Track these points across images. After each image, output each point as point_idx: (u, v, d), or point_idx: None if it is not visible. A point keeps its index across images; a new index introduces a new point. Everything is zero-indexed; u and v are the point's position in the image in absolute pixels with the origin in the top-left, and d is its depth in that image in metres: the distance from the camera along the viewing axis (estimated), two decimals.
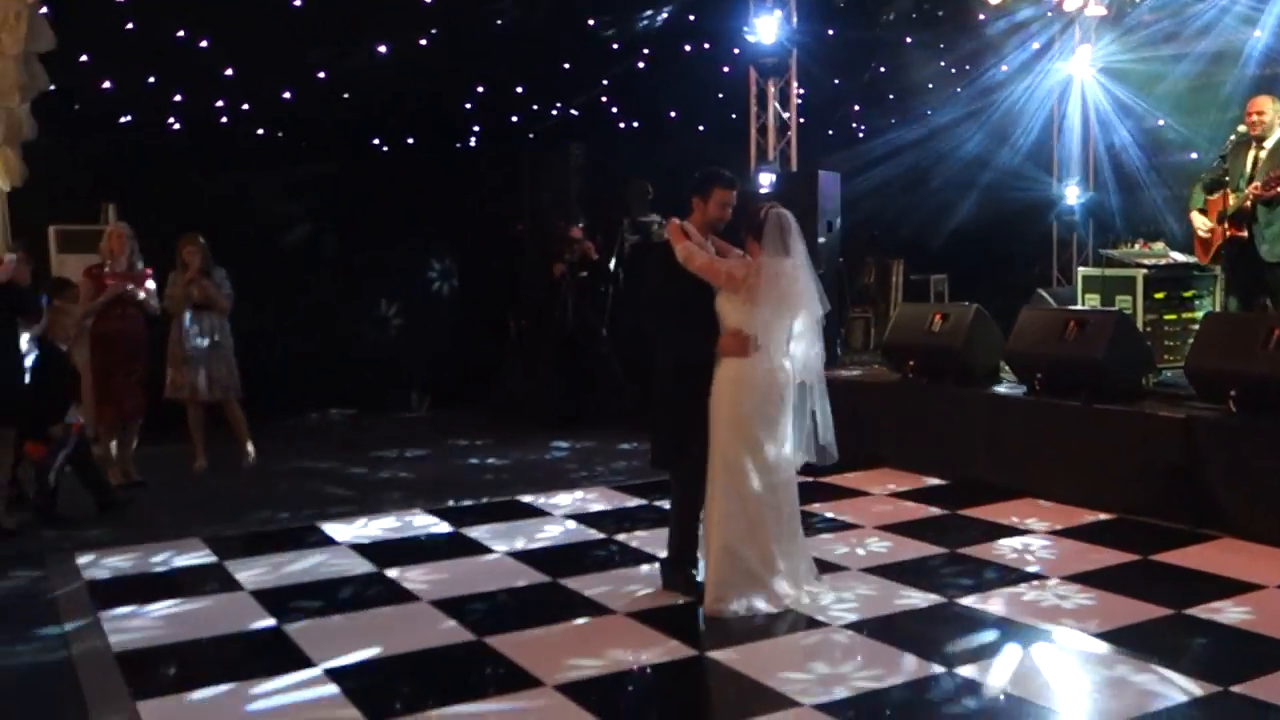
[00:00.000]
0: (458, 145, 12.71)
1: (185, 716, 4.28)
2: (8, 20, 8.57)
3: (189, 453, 8.81)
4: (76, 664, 4.83)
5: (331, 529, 6.98)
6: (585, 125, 12.57)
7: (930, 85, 13.23)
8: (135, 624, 5.31)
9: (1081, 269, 9.71)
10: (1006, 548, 6.24)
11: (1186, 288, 8.44)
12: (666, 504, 5.86)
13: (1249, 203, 7.67)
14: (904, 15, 12.26)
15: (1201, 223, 8.09)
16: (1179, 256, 8.74)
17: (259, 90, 10.76)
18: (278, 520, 7.29)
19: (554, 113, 12.60)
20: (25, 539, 6.86)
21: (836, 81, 12.61)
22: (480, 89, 11.78)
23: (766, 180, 10.40)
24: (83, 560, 6.37)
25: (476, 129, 12.64)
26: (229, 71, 10.30)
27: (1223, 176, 7.94)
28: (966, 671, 4.51)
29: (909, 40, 12.70)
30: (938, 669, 4.54)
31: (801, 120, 11.01)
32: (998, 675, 4.47)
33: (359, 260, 12.03)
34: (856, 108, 13.90)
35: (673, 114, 13.00)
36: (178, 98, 10.62)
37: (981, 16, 11.89)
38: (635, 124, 13.18)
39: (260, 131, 11.56)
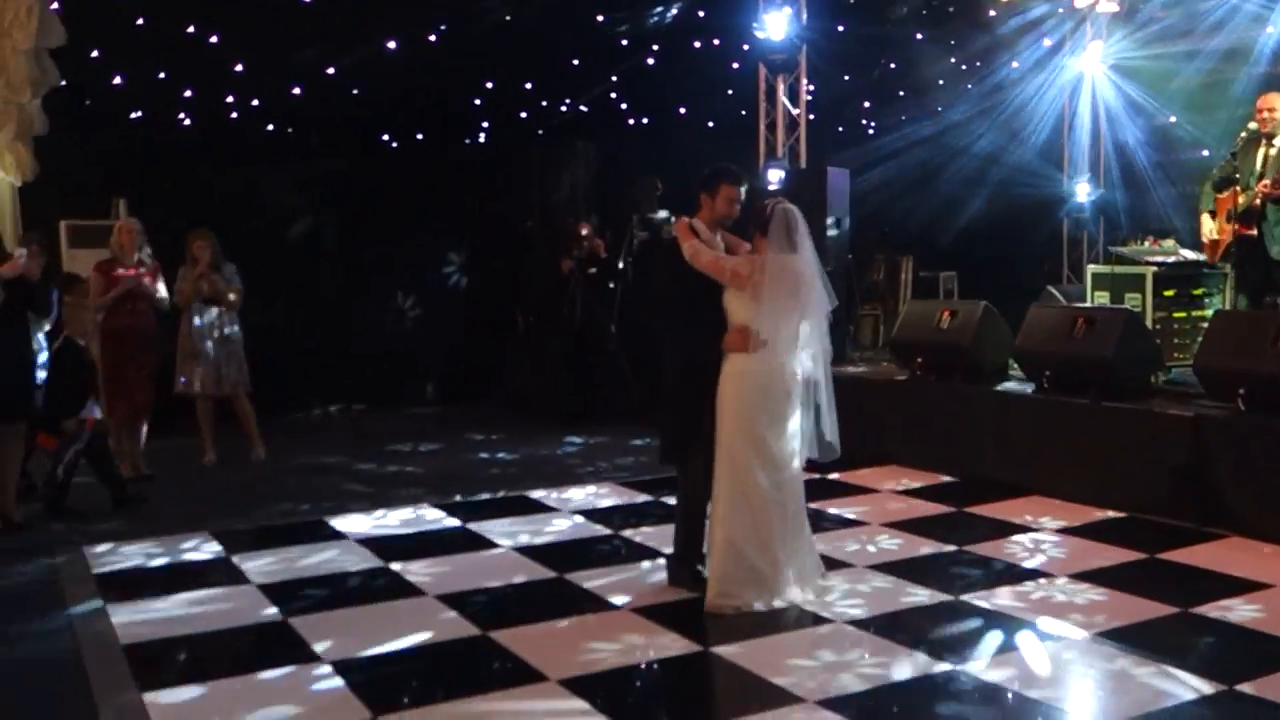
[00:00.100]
0: (467, 141, 12.73)
1: (191, 709, 4.29)
2: (19, 16, 8.63)
3: (198, 447, 8.84)
4: (84, 655, 4.85)
5: (339, 523, 7.01)
6: (594, 122, 12.59)
7: (941, 82, 13.20)
8: (142, 616, 5.33)
9: (1091, 266, 9.68)
10: (1014, 545, 6.23)
11: (1196, 286, 8.40)
12: (673, 500, 5.87)
13: (1259, 201, 7.64)
14: (914, 11, 12.22)
15: (1209, 227, 8.06)
16: (1189, 254, 8.71)
17: (269, 86, 10.79)
18: (285, 514, 7.31)
19: (563, 109, 12.61)
20: (34, 532, 6.89)
21: (846, 78, 12.59)
22: (489, 85, 11.79)
23: (775, 177, 10.38)
24: (91, 553, 6.40)
25: (485, 125, 12.66)
26: (239, 67, 10.33)
27: (1233, 174, 7.91)
28: (973, 668, 4.50)
29: (919, 37, 12.66)
30: (944, 666, 4.54)
31: (811, 117, 10.99)
32: (1004, 672, 4.46)
33: (368, 256, 12.05)
34: (866, 104, 13.87)
35: (682, 110, 13.00)
36: (188, 93, 10.67)
37: (992, 13, 11.86)
38: (644, 120, 13.18)
39: (270, 127, 11.60)
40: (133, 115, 10.80)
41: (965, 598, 5.36)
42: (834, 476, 7.56)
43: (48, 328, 7.64)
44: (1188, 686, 4.26)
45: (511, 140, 12.57)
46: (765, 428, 5.20)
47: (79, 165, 9.98)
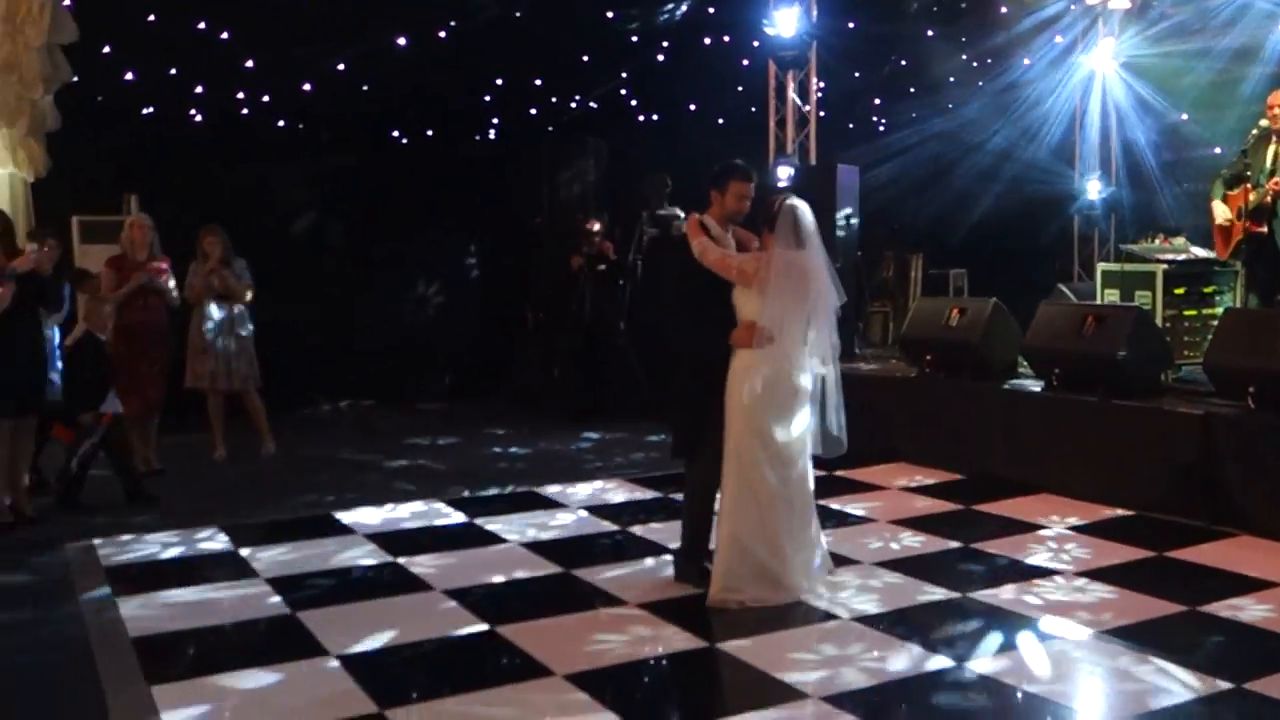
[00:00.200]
0: (476, 138, 12.75)
1: (199, 701, 4.31)
2: (31, 12, 8.67)
3: (209, 442, 8.88)
4: (93, 647, 4.88)
5: (347, 517, 7.03)
6: (604, 118, 12.59)
7: (951, 79, 13.16)
8: (152, 609, 5.36)
9: (1101, 264, 9.65)
10: (1022, 543, 6.22)
11: (1207, 283, 8.36)
12: (681, 496, 5.88)
13: (1269, 198, 7.61)
14: (925, 8, 12.19)
15: (1221, 211, 8.02)
16: (1200, 252, 8.67)
17: (279, 83, 10.82)
18: (294, 509, 7.34)
19: (573, 106, 12.61)
20: (46, 525, 6.93)
21: (856, 75, 12.57)
22: (499, 82, 11.80)
23: (785, 174, 10.37)
24: (101, 546, 6.44)
25: (495, 122, 12.67)
26: (249, 64, 10.36)
27: (1244, 171, 7.88)
28: (979, 666, 4.50)
29: (930, 33, 12.63)
30: (950, 663, 4.54)
31: (821, 114, 10.97)
32: (1010, 670, 4.46)
33: (377, 252, 12.08)
34: (877, 101, 13.84)
35: (692, 107, 12.99)
36: (199, 90, 10.70)
37: (1004, 10, 11.83)
38: (654, 117, 13.17)
39: (280, 123, 11.63)
40: (144, 111, 10.84)
41: (972, 595, 5.35)
42: (842, 473, 7.55)
43: (58, 322, 7.68)
44: (1194, 685, 4.26)
45: (521, 137, 12.59)
46: (772, 423, 5.21)
47: (91, 161, 10.03)
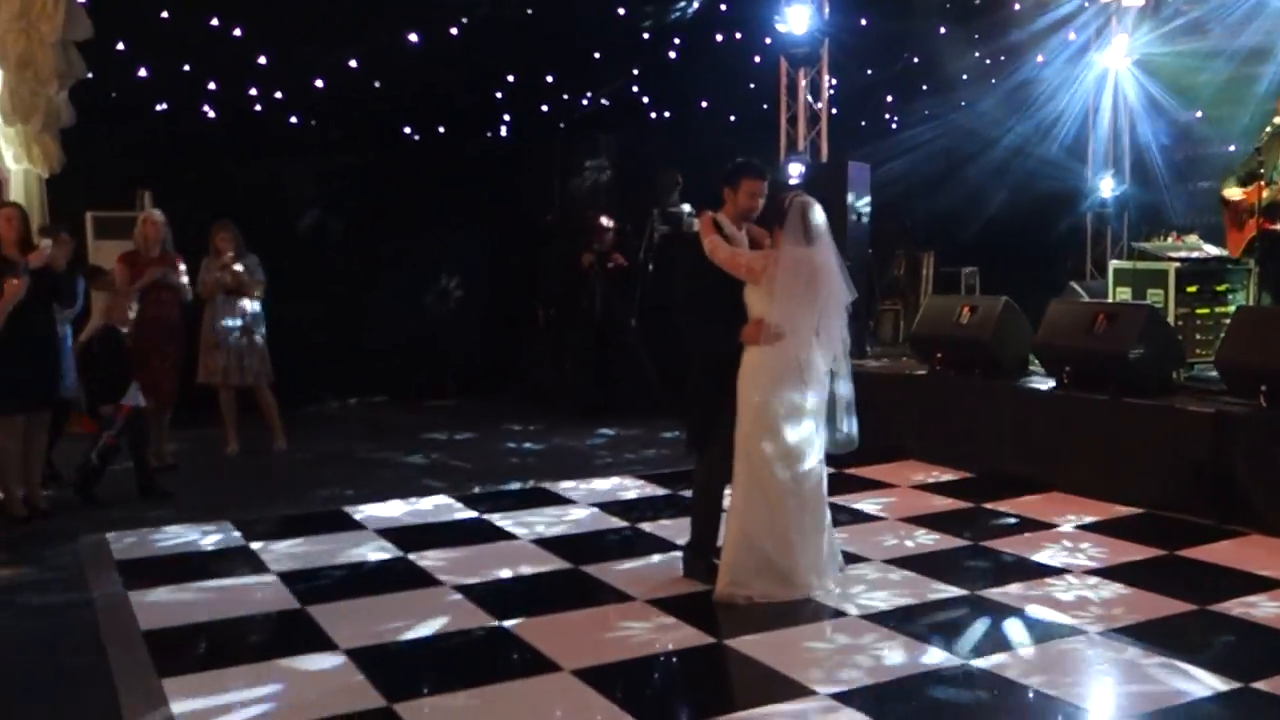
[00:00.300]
0: (488, 135, 12.75)
1: (210, 694, 4.33)
2: (46, 9, 8.72)
3: (221, 437, 8.92)
4: (105, 641, 4.91)
5: (358, 513, 7.06)
6: (616, 115, 12.59)
7: (964, 76, 13.13)
8: (163, 603, 5.39)
9: (1113, 262, 9.62)
10: (1031, 541, 6.21)
11: (1219, 281, 8.33)
12: (691, 492, 5.89)
13: None
14: (938, 5, 12.16)
15: (1234, 191, 7.97)
16: (1212, 250, 8.64)
17: (291, 79, 10.85)
18: (305, 504, 7.37)
19: (584, 103, 12.61)
20: (59, 518, 6.96)
21: (869, 72, 12.54)
22: (510, 78, 11.81)
23: (796, 171, 10.38)
24: (114, 540, 6.47)
25: (506, 119, 12.67)
26: (262, 60, 10.39)
27: (1257, 169, 7.84)
28: (987, 664, 4.50)
29: (942, 30, 12.60)
30: (958, 661, 4.54)
31: (833, 111, 10.96)
32: (1020, 668, 4.46)
33: (388, 249, 12.09)
34: (889, 98, 13.82)
35: (703, 104, 12.98)
36: (212, 86, 10.74)
37: (1017, 7, 11.79)
38: (666, 114, 13.17)
39: (293, 120, 11.66)
40: (158, 108, 10.89)
41: (981, 593, 5.35)
42: (852, 471, 7.54)
43: (71, 318, 7.73)
44: (1204, 683, 4.25)
45: (532, 134, 12.59)
46: (782, 420, 5.21)
47: (105, 157, 10.06)
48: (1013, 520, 6.66)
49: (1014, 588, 5.41)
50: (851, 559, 5.80)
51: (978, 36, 12.72)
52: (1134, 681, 4.33)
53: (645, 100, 12.97)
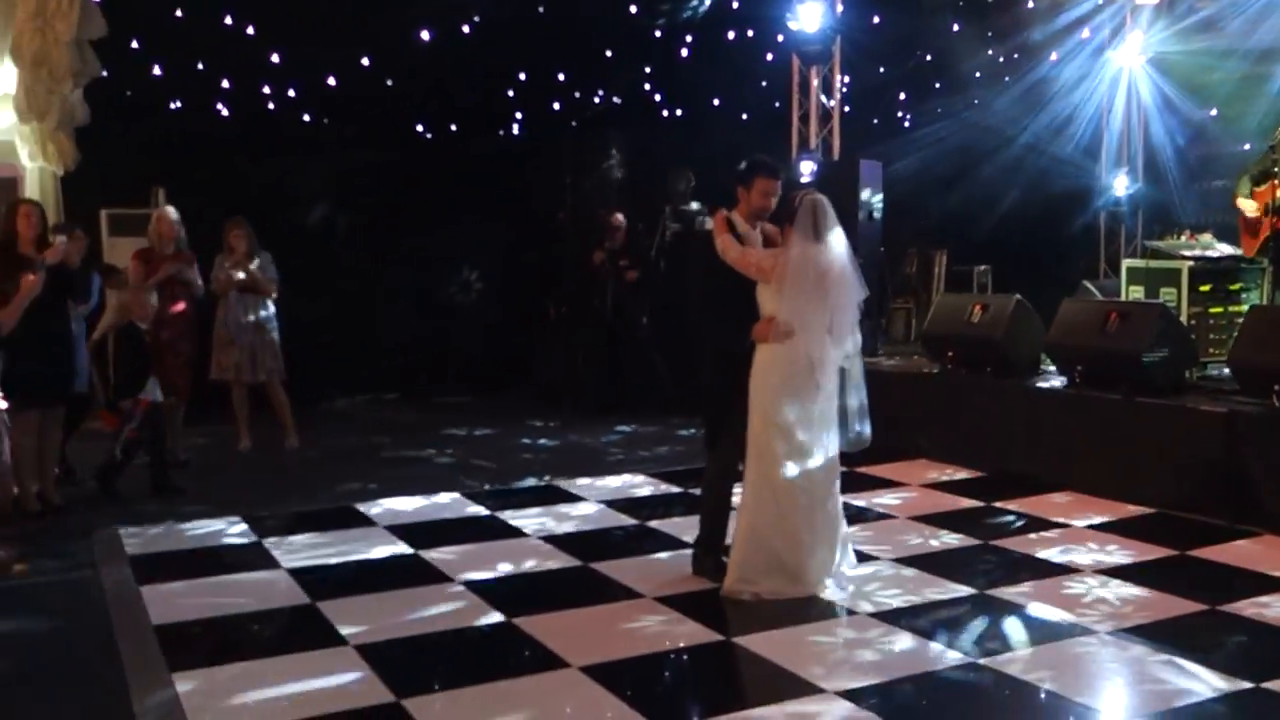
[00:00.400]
0: (500, 133, 12.77)
1: (220, 690, 4.36)
2: (61, 7, 8.78)
3: (233, 433, 8.96)
4: (116, 635, 4.94)
5: (369, 509, 7.08)
6: (627, 113, 12.58)
7: (977, 74, 13.08)
8: (174, 598, 5.41)
9: (1126, 261, 9.59)
10: (1042, 540, 6.19)
11: (1233, 280, 8.29)
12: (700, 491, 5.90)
13: None
14: (951, 2, 12.12)
15: (1250, 205, 7.95)
16: (1226, 248, 8.60)
17: (304, 77, 10.88)
18: (317, 501, 7.39)
19: (596, 100, 12.62)
20: (73, 514, 7.01)
21: (881, 70, 12.51)
22: (522, 76, 11.82)
23: (808, 169, 10.37)
24: (127, 535, 6.51)
25: (518, 117, 12.69)
26: (275, 58, 10.42)
27: (1271, 167, 7.82)
28: (997, 663, 4.49)
29: (955, 28, 12.56)
30: (969, 660, 4.53)
31: (846, 109, 10.95)
32: (1030, 667, 4.45)
33: (400, 246, 12.12)
34: (902, 96, 13.78)
35: (715, 102, 12.96)
36: (225, 84, 10.78)
37: (1031, 4, 11.75)
38: (678, 112, 13.16)
39: (306, 118, 11.70)
40: (172, 106, 10.94)
41: (991, 592, 5.34)
42: (863, 469, 7.53)
43: (85, 314, 7.77)
44: (1214, 684, 4.24)
45: (544, 132, 12.60)
46: (792, 417, 5.21)
47: (119, 155, 10.12)
48: (1023, 519, 6.65)
49: (1024, 586, 5.40)
50: (862, 557, 5.80)
51: (991, 34, 12.67)
52: (1143, 681, 4.32)
53: (657, 98, 12.96)
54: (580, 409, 10.61)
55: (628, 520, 6.81)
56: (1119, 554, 5.91)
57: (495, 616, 5.09)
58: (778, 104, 11.52)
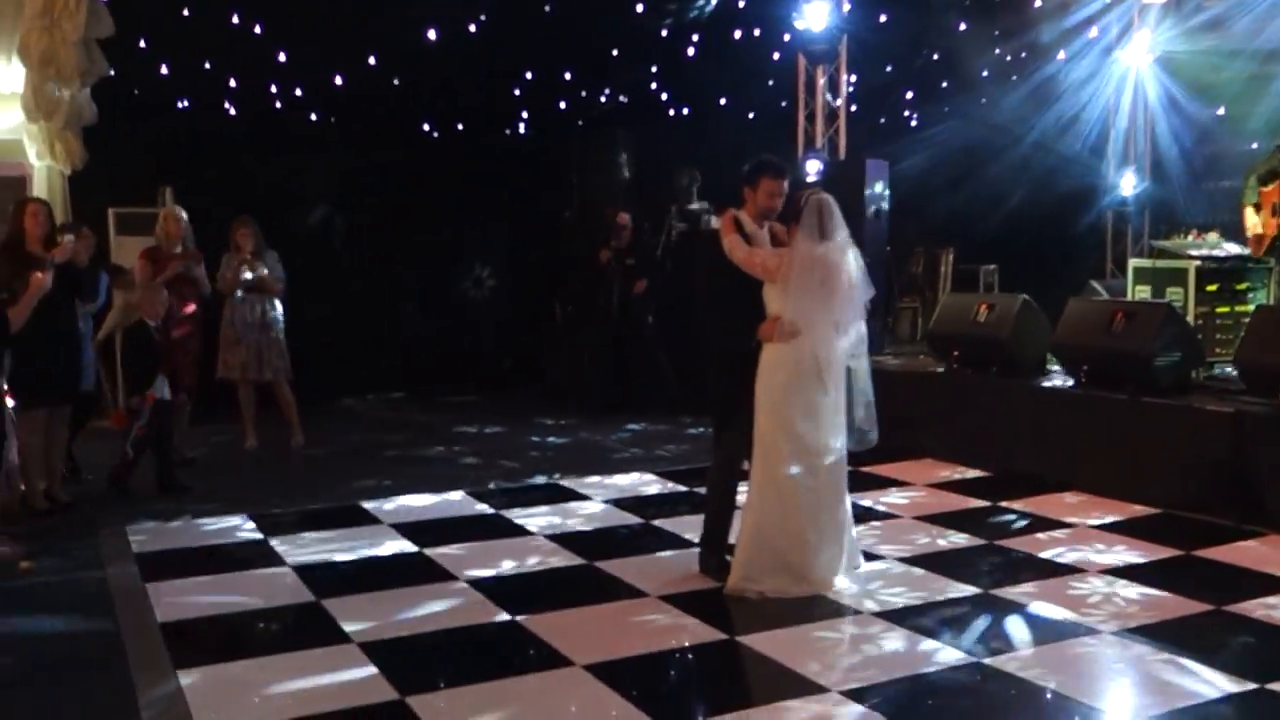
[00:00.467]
0: (506, 132, 12.78)
1: (225, 687, 4.37)
2: (68, 7, 8.80)
3: (239, 432, 8.98)
4: (122, 632, 4.96)
5: (374, 508, 7.09)
6: (634, 112, 12.58)
7: (984, 73, 13.05)
8: (180, 596, 5.43)
9: (1133, 260, 9.56)
10: (1047, 540, 6.19)
11: (1240, 280, 8.27)
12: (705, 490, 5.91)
13: None
14: (957, 1, 12.09)
15: (1254, 221, 7.94)
16: (1232, 248, 8.57)
17: (311, 76, 10.90)
18: (322, 499, 7.40)
19: (603, 100, 12.62)
20: (80, 511, 7.03)
21: (888, 69, 12.49)
22: (529, 75, 11.83)
23: (814, 168, 10.36)
24: (133, 533, 6.53)
25: (525, 116, 12.70)
26: (282, 58, 10.44)
27: (1278, 167, 7.78)
28: (1000, 663, 4.49)
29: (963, 27, 12.53)
30: (971, 659, 4.53)
31: (852, 108, 10.93)
32: (1034, 667, 4.44)
33: (407, 245, 12.15)
34: (908, 95, 13.76)
35: (722, 101, 12.96)
36: (232, 83, 10.80)
37: (1038, 3, 11.72)
38: (684, 111, 13.16)
39: (313, 117, 11.72)
40: (179, 105, 10.96)
41: (996, 592, 5.33)
42: (868, 469, 7.52)
43: (93, 313, 7.80)
44: (1218, 684, 4.23)
45: (551, 131, 12.61)
46: (798, 416, 5.21)
47: (126, 154, 10.16)
48: (1029, 519, 6.64)
49: (1029, 586, 5.39)
50: (867, 556, 5.79)
51: (998, 33, 12.63)
52: (1148, 681, 4.31)
53: (664, 98, 12.96)
54: (586, 408, 10.62)
55: (633, 519, 6.81)
56: (1124, 554, 5.90)
57: (500, 615, 5.10)
58: (784, 103, 11.51)
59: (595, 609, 5.19)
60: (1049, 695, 4.21)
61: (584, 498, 7.36)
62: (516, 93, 12.10)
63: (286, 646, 4.81)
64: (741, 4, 11.38)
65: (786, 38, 11.09)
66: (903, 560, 5.85)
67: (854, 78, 11.09)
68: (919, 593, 5.33)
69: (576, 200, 12.02)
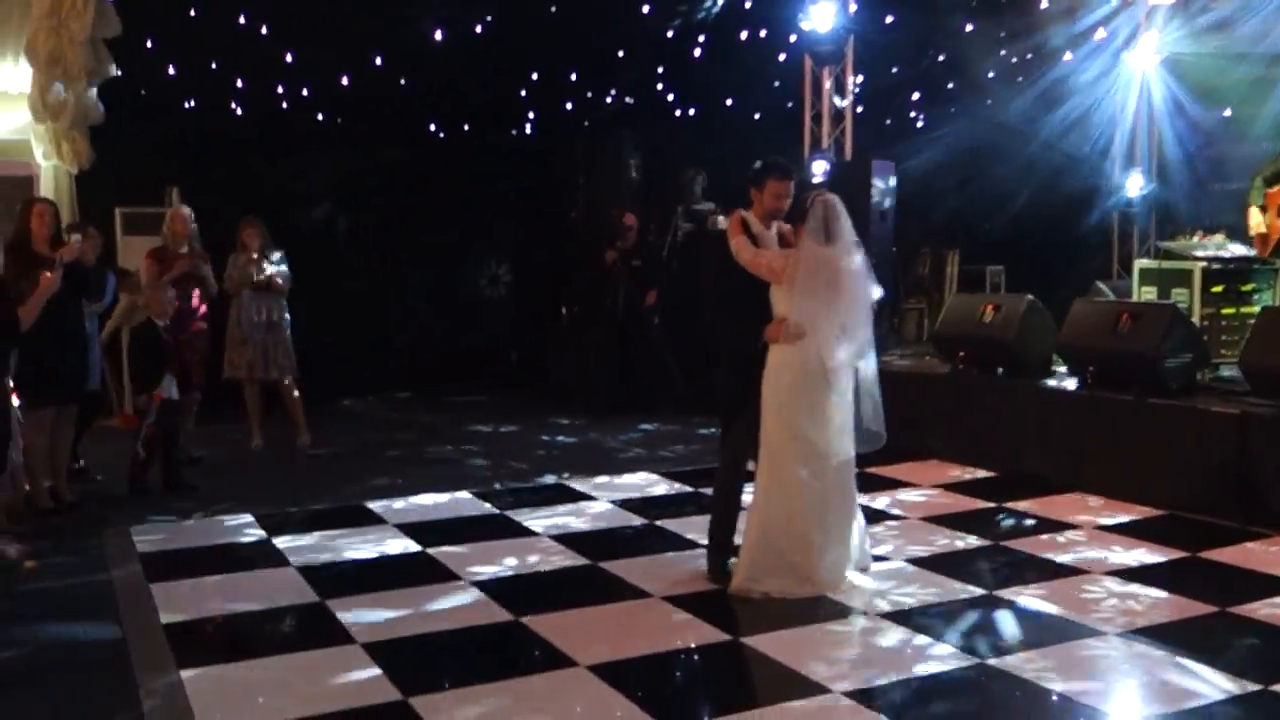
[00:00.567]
0: (513, 132, 12.79)
1: (228, 687, 4.38)
2: (76, 7, 8.82)
3: (245, 431, 9.00)
4: (126, 632, 4.97)
5: (379, 508, 7.10)
6: (640, 113, 12.58)
7: (990, 74, 13.04)
8: (184, 596, 5.44)
9: (1139, 261, 9.55)
10: (1053, 541, 6.18)
11: (1245, 281, 8.26)
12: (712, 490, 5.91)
13: None
14: (964, 2, 12.07)
15: (1257, 220, 7.93)
16: (1239, 249, 8.56)
17: (317, 77, 10.92)
18: (327, 499, 7.40)
19: (609, 100, 12.62)
20: (84, 511, 7.04)
21: (894, 70, 12.48)
22: (535, 76, 11.83)
23: (820, 169, 10.34)
24: (137, 532, 6.54)
25: (531, 116, 12.70)
26: (289, 58, 10.45)
27: None
28: (1006, 663, 4.48)
29: (969, 28, 12.52)
30: (976, 660, 4.52)
31: (859, 109, 10.91)
32: (1037, 668, 4.43)
33: (413, 246, 12.16)
34: (914, 96, 13.74)
35: (728, 102, 12.95)
36: (239, 83, 10.82)
37: (1044, 4, 11.70)
38: (690, 112, 13.16)
39: (319, 117, 11.74)
40: (186, 105, 10.98)
41: (1001, 593, 5.33)
42: (874, 470, 7.50)
43: (99, 312, 7.81)
44: (1223, 686, 4.22)
45: (556, 132, 12.61)
46: (804, 417, 5.21)
47: (133, 154, 10.17)
48: (1035, 520, 6.63)
49: (1035, 587, 5.38)
50: (872, 558, 5.79)
51: (1004, 34, 12.62)
52: (1153, 683, 4.31)
53: (670, 98, 12.96)
54: (592, 408, 10.62)
55: (639, 519, 6.81)
56: (1130, 555, 5.89)
57: (504, 615, 5.10)
58: (790, 104, 11.49)
59: (600, 609, 5.19)
60: (1054, 697, 4.20)
61: (590, 498, 7.36)
62: (523, 93, 12.10)
63: (290, 647, 4.82)
64: (748, 5, 11.37)
65: (793, 39, 11.07)
66: (907, 561, 5.85)
67: (860, 79, 11.06)
68: (923, 593, 5.33)
69: (582, 201, 12.02)
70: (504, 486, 7.73)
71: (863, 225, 7.81)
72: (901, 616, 5.02)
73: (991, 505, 7.02)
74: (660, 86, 12.70)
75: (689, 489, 7.54)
